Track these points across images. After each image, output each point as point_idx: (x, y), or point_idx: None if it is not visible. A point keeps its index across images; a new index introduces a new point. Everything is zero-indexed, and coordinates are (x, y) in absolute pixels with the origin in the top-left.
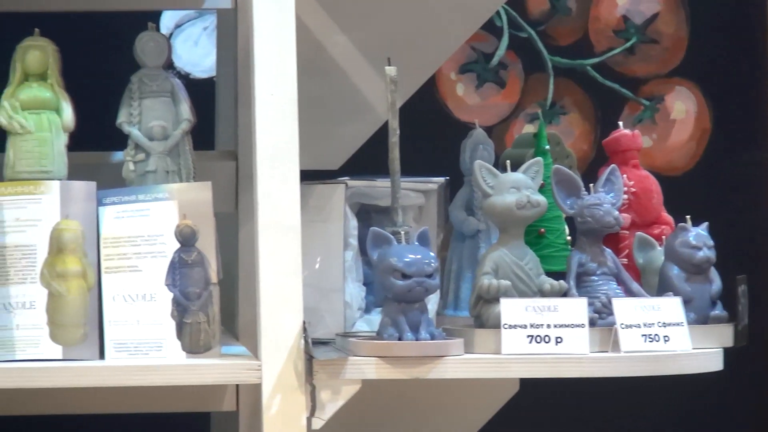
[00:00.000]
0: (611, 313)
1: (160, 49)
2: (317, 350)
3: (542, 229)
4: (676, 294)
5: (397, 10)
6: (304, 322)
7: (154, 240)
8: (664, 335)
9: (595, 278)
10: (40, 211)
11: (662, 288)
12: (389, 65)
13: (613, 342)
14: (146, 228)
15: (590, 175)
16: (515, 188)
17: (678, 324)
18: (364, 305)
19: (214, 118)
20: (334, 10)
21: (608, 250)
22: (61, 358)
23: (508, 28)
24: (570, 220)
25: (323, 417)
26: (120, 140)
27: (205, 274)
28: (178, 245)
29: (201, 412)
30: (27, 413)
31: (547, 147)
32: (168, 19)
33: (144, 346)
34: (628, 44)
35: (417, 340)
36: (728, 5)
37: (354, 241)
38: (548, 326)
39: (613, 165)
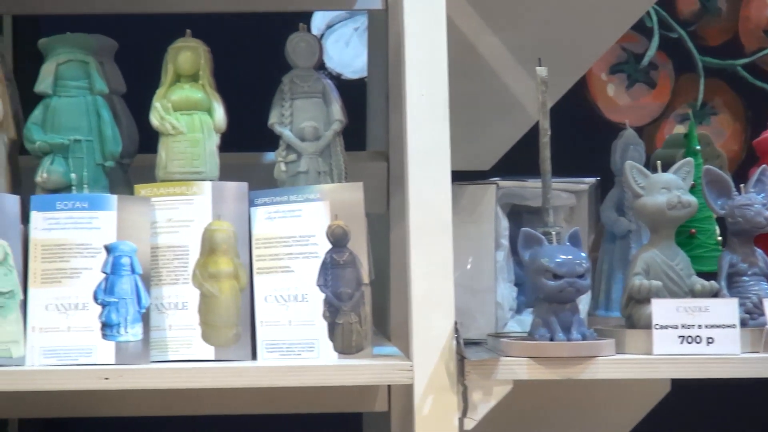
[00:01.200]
0: (762, 314)
1: (311, 49)
2: (469, 351)
3: (693, 230)
4: None
5: (547, 11)
6: (455, 323)
7: (305, 240)
8: None
9: (746, 278)
10: (192, 211)
11: None
12: (540, 66)
13: (764, 342)
14: (298, 228)
15: (741, 176)
16: (666, 189)
17: None
18: (515, 305)
19: (366, 118)
20: (485, 11)
21: (759, 251)
22: (213, 358)
23: (659, 29)
24: (721, 221)
25: (475, 417)
26: (271, 141)
27: (357, 274)
28: (329, 246)
29: (353, 412)
30: (178, 414)
31: (698, 147)
32: (319, 20)
33: (296, 347)
34: None
35: (569, 340)
36: None
37: (505, 242)
38: (699, 327)
39: (764, 165)
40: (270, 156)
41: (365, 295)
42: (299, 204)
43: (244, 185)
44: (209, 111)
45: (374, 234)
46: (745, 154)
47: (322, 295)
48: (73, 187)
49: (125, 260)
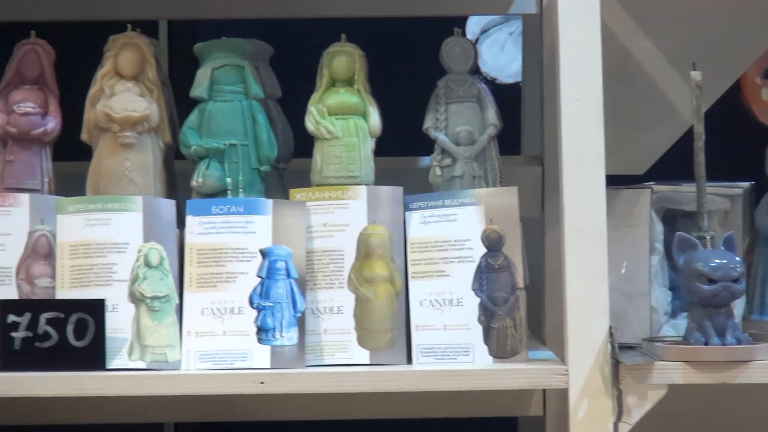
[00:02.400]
0: None
1: (466, 54)
2: (623, 355)
3: None
4: None
5: (702, 15)
6: (610, 327)
7: (461, 245)
8: None
9: None
10: (347, 215)
11: None
12: (694, 70)
13: None
14: (453, 233)
15: None
16: None
17: None
18: (670, 310)
19: (520, 122)
20: (639, 16)
21: None
22: (368, 362)
23: None
24: None
25: (630, 422)
26: (426, 145)
27: (511, 278)
28: (484, 250)
29: (508, 416)
30: (333, 418)
31: None
32: (474, 25)
33: (451, 351)
34: None
35: (723, 344)
36: None
37: (660, 246)
38: None
39: None
40: (425, 160)
41: (520, 300)
42: (454, 208)
43: (400, 189)
44: (364, 115)
45: (529, 238)
46: None
47: (477, 300)
48: (229, 192)
49: (281, 264)
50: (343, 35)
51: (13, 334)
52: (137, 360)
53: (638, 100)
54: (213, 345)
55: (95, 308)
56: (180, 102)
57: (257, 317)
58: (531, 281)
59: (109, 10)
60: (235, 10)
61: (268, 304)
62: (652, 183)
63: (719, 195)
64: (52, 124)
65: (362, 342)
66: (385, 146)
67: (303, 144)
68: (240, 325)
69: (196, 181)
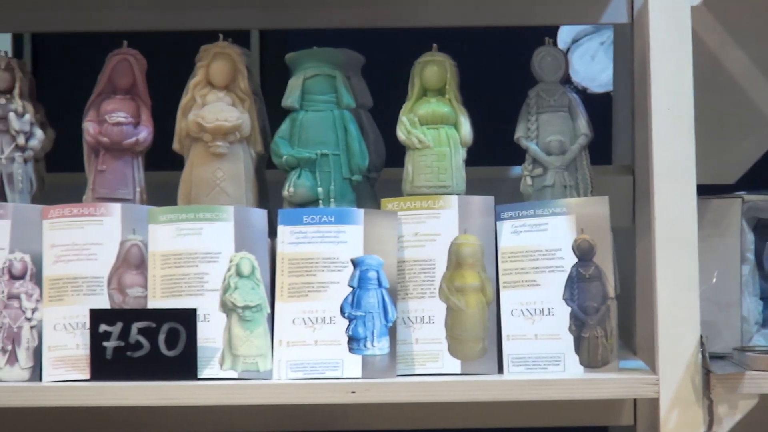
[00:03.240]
0: None
1: (557, 64)
2: (714, 364)
3: None
4: None
5: None
6: (701, 337)
7: (551, 254)
8: None
9: None
10: (438, 225)
11: None
12: None
13: None
14: (544, 242)
15: None
16: None
17: None
18: (761, 319)
19: (611, 132)
20: (730, 24)
21: None
22: (459, 372)
23: None
24: None
25: (720, 431)
26: (517, 155)
27: (602, 288)
28: (575, 259)
29: (598, 426)
30: (424, 427)
31: None
32: (565, 35)
33: (542, 361)
34: None
35: None
36: None
37: (751, 256)
38: None
39: None
40: (516, 170)
41: (611, 309)
42: (545, 218)
43: (491, 199)
44: (455, 125)
45: (620, 248)
46: None
47: (568, 309)
48: (320, 201)
49: (372, 274)
50: (435, 45)
51: (105, 344)
52: (229, 369)
53: (729, 110)
54: (304, 354)
55: (187, 318)
56: (271, 111)
57: (349, 327)
58: (621, 291)
59: (201, 20)
60: (327, 20)
61: (359, 313)
62: (743, 192)
63: None
64: (144, 133)
65: (453, 351)
66: (476, 156)
67: (395, 154)
68: (331, 334)
69: (288, 190)
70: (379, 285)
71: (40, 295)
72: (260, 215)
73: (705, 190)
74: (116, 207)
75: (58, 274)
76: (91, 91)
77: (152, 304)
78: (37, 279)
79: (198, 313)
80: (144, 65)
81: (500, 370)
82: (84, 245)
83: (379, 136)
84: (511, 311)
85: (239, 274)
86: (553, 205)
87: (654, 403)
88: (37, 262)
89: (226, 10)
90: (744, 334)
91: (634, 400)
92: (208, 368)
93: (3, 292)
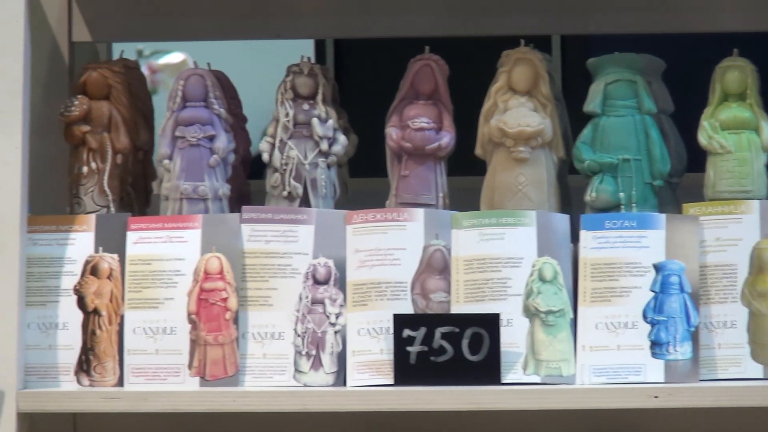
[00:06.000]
0: None
1: None
2: None
3: None
4: None
5: None
6: None
7: None
8: None
9: None
10: (740, 230)
11: None
12: None
13: None
14: None
15: None
16: None
17: None
18: None
19: None
20: None
21: None
22: (762, 377)
23: None
24: None
25: None
26: None
27: None
28: None
29: None
30: None
31: None
32: None
33: None
34: None
35: None
36: None
37: None
38: None
39: None
40: None
41: None
42: None
43: None
44: (756, 130)
45: None
46: None
47: None
48: (622, 206)
49: (674, 279)
50: (735, 50)
51: (409, 349)
52: (532, 374)
53: None
54: (607, 359)
55: (490, 323)
56: (573, 117)
57: (651, 331)
58: None
59: (502, 26)
60: (628, 25)
61: (662, 318)
62: None
63: None
64: (447, 139)
65: (756, 356)
66: None
67: (696, 159)
68: (634, 339)
69: (590, 195)
70: (682, 290)
71: (344, 300)
72: (563, 220)
73: None
74: (419, 212)
75: (362, 279)
76: (393, 96)
77: (455, 309)
78: (341, 284)
79: (501, 317)
80: (446, 71)
81: None
82: (388, 250)
83: (681, 141)
84: None
85: (542, 278)
86: None
87: None
88: (341, 267)
89: (527, 16)
90: None
91: None
92: (511, 373)
93: (307, 297)
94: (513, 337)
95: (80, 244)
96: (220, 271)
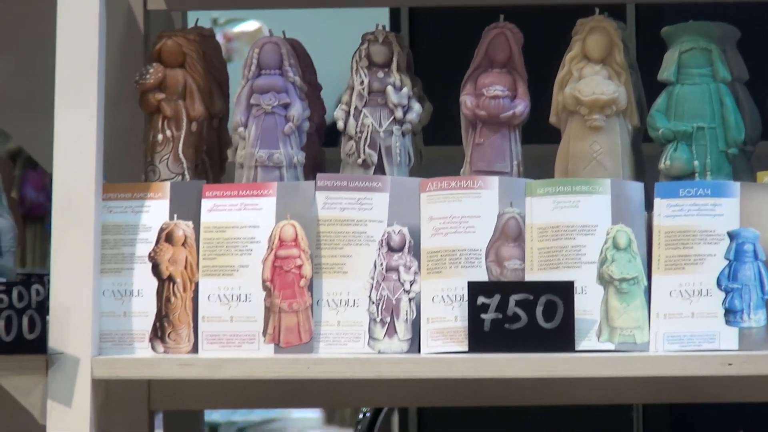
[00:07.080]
0: None
1: None
2: None
3: None
4: None
5: None
6: None
7: None
8: None
9: None
10: None
11: None
12: None
13: None
14: None
15: None
16: None
17: None
18: None
19: None
20: None
21: None
22: None
23: None
24: None
25: None
26: None
27: None
28: None
29: None
30: None
31: None
32: None
33: None
34: None
35: None
36: None
37: None
38: None
39: None
40: None
41: None
42: None
43: None
44: None
45: None
46: None
47: None
48: (696, 174)
49: (748, 247)
50: None
51: (483, 316)
52: (606, 342)
53: None
54: (681, 327)
55: (564, 290)
56: (647, 85)
57: (725, 299)
58: None
59: None
60: None
61: (736, 286)
62: None
63: None
64: (521, 107)
65: None
66: None
67: None
68: (708, 306)
69: (664, 163)
70: (756, 258)
71: (418, 267)
72: (637, 188)
73: None
74: (494, 180)
75: (436, 247)
76: (468, 64)
77: (529, 276)
78: (415, 251)
79: (575, 285)
80: (520, 39)
81: None
82: (462, 218)
83: (755, 109)
84: None
85: (616, 246)
86: None
87: None
88: (415, 234)
89: None
90: None
91: None
92: (585, 340)
93: (382, 264)
94: (587, 304)
95: (155, 211)
96: (294, 238)
